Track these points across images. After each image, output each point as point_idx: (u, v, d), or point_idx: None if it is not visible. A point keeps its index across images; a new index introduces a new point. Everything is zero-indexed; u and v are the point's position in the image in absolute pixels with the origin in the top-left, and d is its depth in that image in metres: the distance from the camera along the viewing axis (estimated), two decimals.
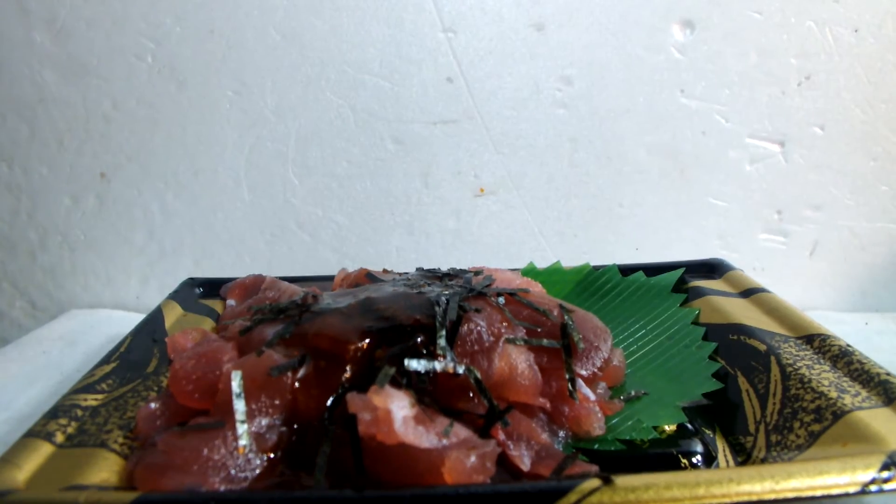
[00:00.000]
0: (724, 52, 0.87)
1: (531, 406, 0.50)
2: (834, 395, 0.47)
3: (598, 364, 0.55)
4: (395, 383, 0.45)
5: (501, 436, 0.46)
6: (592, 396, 0.53)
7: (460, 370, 0.47)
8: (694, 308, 0.67)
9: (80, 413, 0.49)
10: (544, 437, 0.48)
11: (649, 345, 0.64)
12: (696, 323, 0.66)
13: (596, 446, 0.50)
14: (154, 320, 0.66)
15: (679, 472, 0.39)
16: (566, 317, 0.56)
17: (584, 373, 0.54)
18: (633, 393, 0.56)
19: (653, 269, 0.75)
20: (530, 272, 0.76)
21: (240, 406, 0.45)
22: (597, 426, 0.50)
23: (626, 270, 0.76)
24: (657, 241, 0.94)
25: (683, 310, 0.68)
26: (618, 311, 0.71)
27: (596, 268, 0.77)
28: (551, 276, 0.77)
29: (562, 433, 0.50)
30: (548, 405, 0.50)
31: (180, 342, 0.59)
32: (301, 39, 0.87)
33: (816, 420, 0.46)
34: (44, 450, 0.44)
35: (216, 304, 0.73)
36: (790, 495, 0.37)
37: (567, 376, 0.52)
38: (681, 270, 0.73)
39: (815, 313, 0.83)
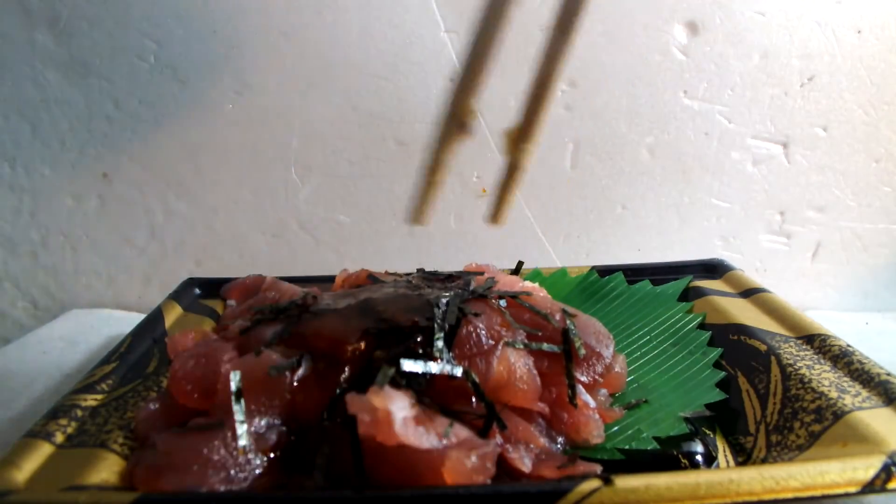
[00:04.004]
0: (727, 53, 0.87)
1: (530, 411, 0.50)
2: (834, 395, 0.47)
3: (600, 370, 0.55)
4: (395, 384, 0.45)
5: (499, 439, 0.46)
6: (592, 403, 0.52)
7: (457, 372, 0.47)
8: (699, 313, 0.67)
9: (79, 413, 0.49)
10: (542, 441, 0.48)
11: (653, 350, 0.64)
12: (702, 327, 0.66)
13: (594, 455, 0.49)
14: (154, 320, 0.66)
15: (679, 472, 0.39)
16: (568, 321, 0.56)
17: (584, 379, 0.54)
18: (633, 401, 0.55)
19: (654, 269, 0.75)
20: (534, 277, 0.76)
21: (239, 406, 0.45)
22: (596, 434, 0.50)
23: (629, 271, 0.75)
24: (659, 242, 0.94)
25: (689, 314, 0.68)
26: (621, 314, 0.70)
27: (599, 271, 0.76)
28: (556, 280, 0.76)
29: (560, 440, 0.50)
30: (546, 410, 0.50)
31: (180, 342, 0.59)
32: (303, 40, 0.87)
33: (817, 420, 0.46)
34: (44, 450, 0.44)
35: (216, 305, 0.73)
36: (790, 495, 0.37)
37: (567, 382, 0.52)
38: (688, 279, 0.73)
39: (815, 313, 0.83)
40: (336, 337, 0.50)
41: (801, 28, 0.85)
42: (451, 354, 0.48)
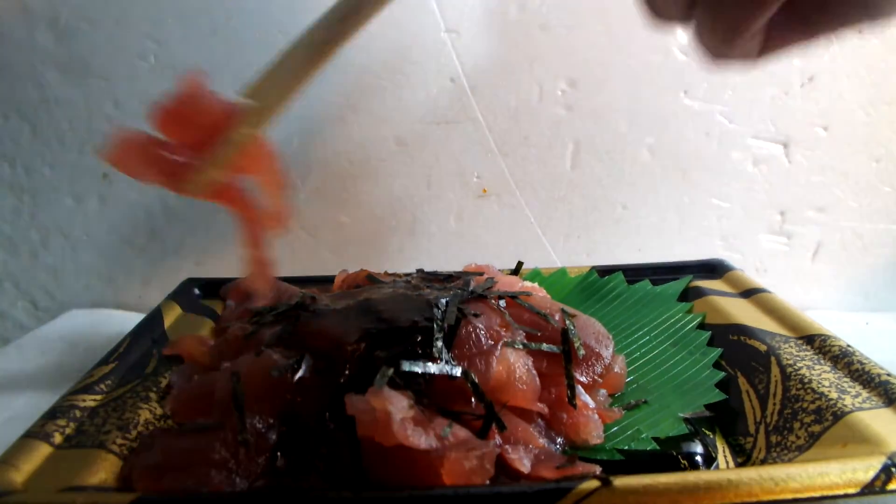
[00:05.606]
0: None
1: (529, 411, 0.49)
2: (834, 395, 0.47)
3: (599, 371, 0.55)
4: (394, 385, 0.45)
5: (498, 439, 0.46)
6: (592, 404, 0.52)
7: (457, 372, 0.47)
8: (699, 313, 0.67)
9: (78, 414, 0.49)
10: (542, 442, 0.48)
11: (653, 351, 0.64)
12: (702, 327, 0.65)
13: (593, 455, 0.49)
14: (153, 321, 0.66)
15: (678, 473, 0.39)
16: (567, 322, 0.56)
17: (584, 379, 0.54)
18: (632, 402, 0.55)
19: (654, 269, 0.75)
20: (534, 277, 0.76)
21: (238, 406, 0.45)
22: (595, 434, 0.50)
23: (629, 271, 0.75)
24: (660, 243, 0.94)
25: (689, 314, 0.67)
26: (621, 314, 0.70)
27: (599, 271, 0.76)
28: (556, 280, 0.76)
29: (559, 440, 0.50)
30: (546, 411, 0.50)
31: (186, 347, 0.59)
32: None
33: (817, 421, 0.46)
34: (42, 451, 0.44)
35: (216, 305, 0.73)
36: (789, 496, 0.37)
37: (566, 382, 0.52)
38: (688, 279, 0.73)
39: (816, 313, 0.82)
40: (335, 337, 0.50)
41: None
42: (450, 355, 0.48)
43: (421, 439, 0.41)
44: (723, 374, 0.57)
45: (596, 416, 0.51)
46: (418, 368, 0.46)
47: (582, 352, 0.54)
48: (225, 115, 0.48)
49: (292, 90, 0.47)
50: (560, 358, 0.53)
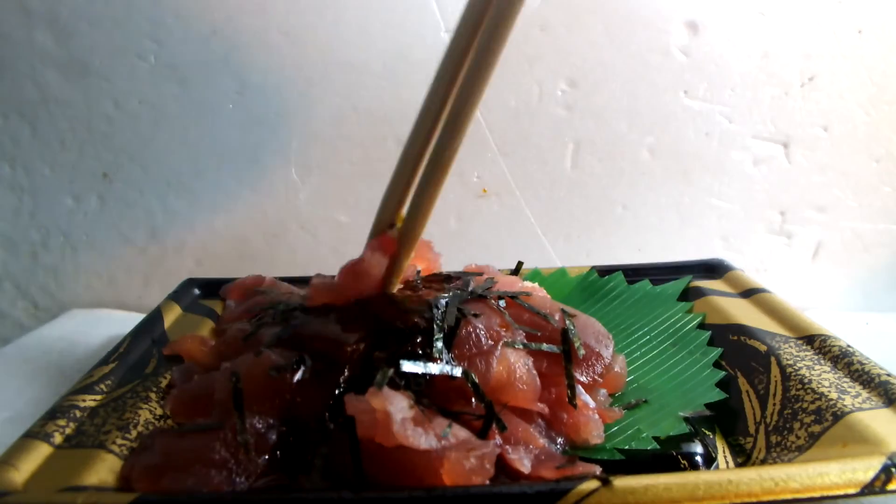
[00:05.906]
0: (728, 53, 0.87)
1: (529, 411, 0.49)
2: (834, 395, 0.47)
3: (599, 371, 0.55)
4: (394, 385, 0.45)
5: (498, 440, 0.46)
6: (592, 404, 0.52)
7: (457, 373, 0.46)
8: (699, 313, 0.67)
9: (78, 414, 0.48)
10: (542, 442, 0.48)
11: (653, 350, 0.64)
12: (702, 327, 0.65)
13: (594, 455, 0.49)
14: (153, 321, 0.66)
15: (678, 473, 0.39)
16: (567, 322, 0.56)
17: (584, 379, 0.54)
18: (632, 401, 0.55)
19: (654, 269, 0.75)
20: (534, 277, 0.76)
21: (238, 406, 0.45)
22: (595, 434, 0.50)
23: (629, 271, 0.75)
24: (660, 243, 0.94)
25: (689, 314, 0.67)
26: (621, 314, 0.70)
27: (599, 271, 0.76)
28: (556, 280, 0.76)
29: (560, 440, 0.50)
30: (546, 411, 0.50)
31: (186, 347, 0.59)
32: (303, 40, 0.87)
33: (816, 421, 0.46)
34: (42, 451, 0.44)
35: (216, 305, 0.73)
36: (789, 496, 0.37)
37: (567, 382, 0.52)
38: (688, 278, 0.73)
39: (815, 313, 0.82)
40: (335, 337, 0.50)
41: (802, 28, 0.85)
42: (450, 355, 0.48)
43: (421, 439, 0.41)
44: (723, 373, 0.57)
45: (596, 416, 0.51)
46: (418, 369, 0.46)
47: (582, 352, 0.54)
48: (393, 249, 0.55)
49: (432, 203, 0.53)
50: (560, 358, 0.52)
